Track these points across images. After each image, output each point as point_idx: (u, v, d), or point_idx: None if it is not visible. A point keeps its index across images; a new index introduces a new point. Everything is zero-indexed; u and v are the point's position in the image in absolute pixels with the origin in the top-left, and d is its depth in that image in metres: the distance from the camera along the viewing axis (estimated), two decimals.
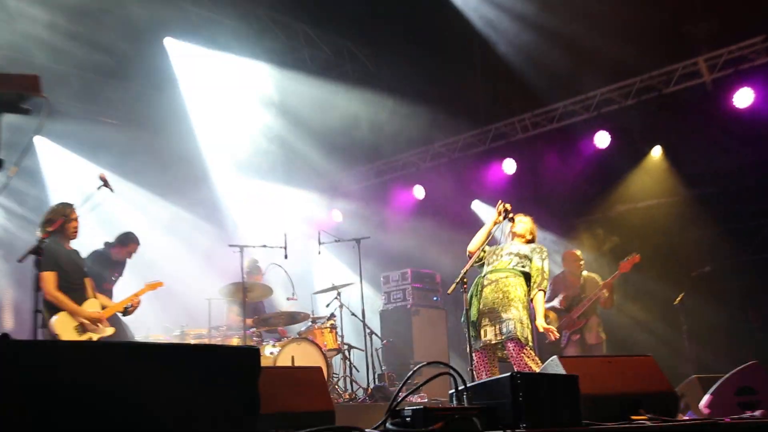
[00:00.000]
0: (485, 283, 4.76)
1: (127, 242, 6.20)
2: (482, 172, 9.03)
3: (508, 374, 2.76)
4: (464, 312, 4.51)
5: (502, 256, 4.83)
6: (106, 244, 6.18)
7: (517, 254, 4.79)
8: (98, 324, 4.99)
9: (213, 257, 8.46)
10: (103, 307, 5.16)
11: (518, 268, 4.76)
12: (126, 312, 5.35)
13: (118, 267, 6.15)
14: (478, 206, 9.34)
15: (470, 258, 4.85)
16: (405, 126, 8.75)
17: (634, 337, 7.58)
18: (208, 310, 6.52)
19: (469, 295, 4.72)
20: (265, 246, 6.47)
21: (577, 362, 3.39)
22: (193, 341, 6.30)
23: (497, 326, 4.61)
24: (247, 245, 6.33)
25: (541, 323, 4.60)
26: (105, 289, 5.86)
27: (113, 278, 6.08)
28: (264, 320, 6.59)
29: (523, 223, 5.00)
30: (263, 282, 6.90)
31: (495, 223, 4.84)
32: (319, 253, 7.35)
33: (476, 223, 8.84)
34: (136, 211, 8.51)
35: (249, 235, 8.31)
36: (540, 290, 4.68)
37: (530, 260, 4.76)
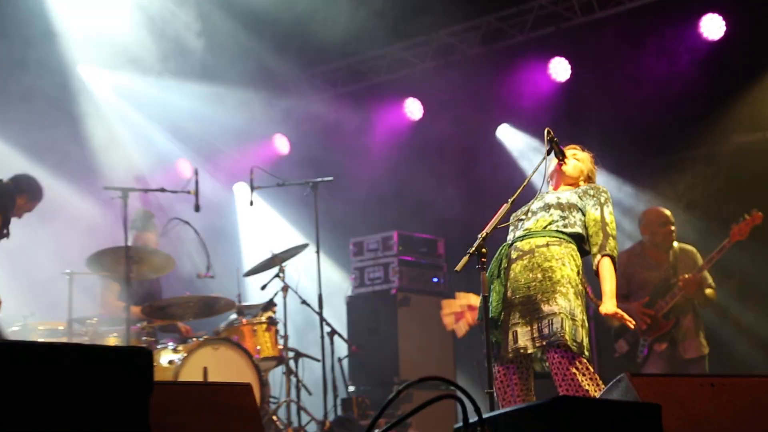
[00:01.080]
0: (514, 255, 4.77)
1: (37, 196, 6.62)
2: (515, 79, 9.02)
3: (549, 399, 2.75)
4: (481, 301, 4.49)
5: (537, 212, 4.82)
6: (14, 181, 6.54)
7: (560, 205, 4.79)
8: None
9: (79, 209, 8.44)
10: None
11: (565, 229, 4.75)
12: None
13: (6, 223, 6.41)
14: (507, 133, 9.31)
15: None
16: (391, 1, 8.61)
17: (752, 349, 7.67)
18: (68, 291, 6.47)
19: (488, 274, 4.71)
20: (164, 190, 6.51)
21: (661, 383, 3.43)
22: (40, 340, 6.29)
23: (535, 325, 4.62)
24: (134, 188, 6.38)
25: (610, 308, 4.62)
26: None
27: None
28: (160, 309, 6.66)
29: (577, 159, 4.99)
30: (160, 248, 6.96)
31: (543, 162, 4.81)
32: (251, 203, 7.40)
33: (504, 162, 8.84)
34: None
35: (139, 174, 8.25)
36: (605, 255, 4.69)
37: (582, 211, 4.77)
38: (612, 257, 4.71)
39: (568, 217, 4.77)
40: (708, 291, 6.79)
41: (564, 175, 4.96)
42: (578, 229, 4.76)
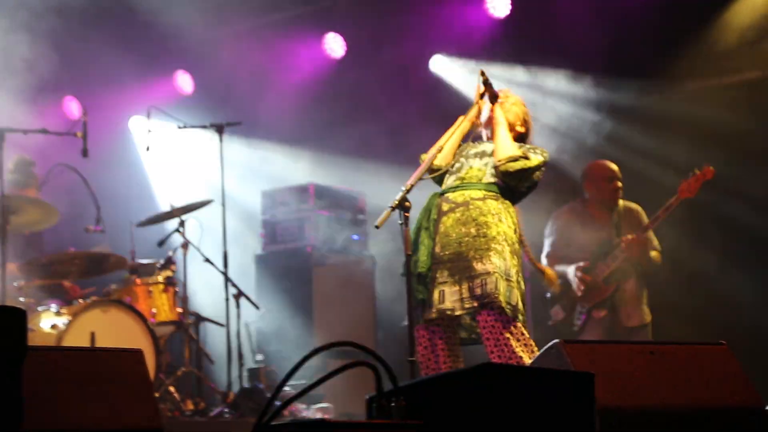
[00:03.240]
0: (446, 207, 4.81)
1: None
2: (448, 11, 8.95)
3: (474, 367, 2.78)
4: (406, 259, 4.53)
5: (471, 159, 4.87)
6: None
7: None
8: None
9: None
10: None
11: (499, 182, 4.82)
12: None
13: None
14: (441, 65, 9.27)
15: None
16: None
17: (700, 313, 7.84)
18: None
19: (414, 227, 4.76)
20: (46, 131, 6.43)
21: (596, 351, 3.50)
22: None
23: (465, 285, 4.69)
24: (11, 128, 6.24)
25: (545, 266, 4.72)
26: None
27: None
28: (42, 266, 6.64)
29: (512, 103, 5.03)
30: (41, 198, 6.90)
31: (474, 108, 4.86)
32: (148, 148, 7.36)
33: (438, 99, 8.80)
34: None
35: (13, 111, 8.07)
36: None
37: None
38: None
39: None
40: (653, 253, 6.87)
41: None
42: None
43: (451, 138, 4.91)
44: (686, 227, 7.51)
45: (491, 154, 4.85)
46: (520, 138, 5.01)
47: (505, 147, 4.76)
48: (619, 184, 6.95)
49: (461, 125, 4.96)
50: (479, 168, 4.84)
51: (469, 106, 5.01)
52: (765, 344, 7.17)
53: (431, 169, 4.87)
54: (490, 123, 4.98)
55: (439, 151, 4.84)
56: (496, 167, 4.75)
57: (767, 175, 7.61)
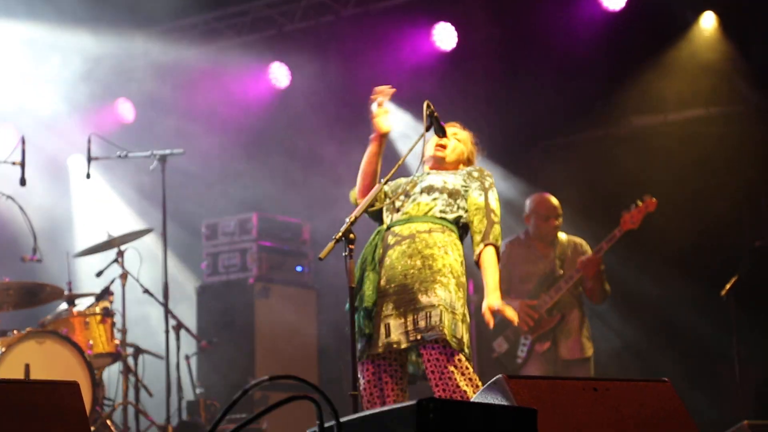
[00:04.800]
0: (391, 240, 4.80)
1: None
2: (395, 46, 8.98)
3: (416, 401, 2.77)
4: (349, 292, 4.52)
5: (417, 194, 4.88)
6: None
7: (444, 189, 4.86)
8: None
9: None
10: None
11: (448, 215, 4.83)
12: None
13: None
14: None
15: (362, 198, 4.87)
16: None
17: (643, 350, 7.92)
18: None
19: (360, 260, 4.74)
20: None
21: (539, 386, 3.49)
22: None
23: (410, 317, 4.66)
24: None
25: (494, 303, 4.71)
26: None
27: None
28: None
29: (458, 140, 5.07)
30: None
31: (421, 139, 4.87)
32: (88, 176, 7.27)
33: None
34: None
35: None
36: (489, 245, 4.78)
37: (464, 196, 4.85)
38: (496, 246, 4.79)
39: (453, 201, 4.83)
40: (605, 285, 6.95)
41: (443, 160, 5.02)
42: (462, 215, 4.84)
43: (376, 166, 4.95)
44: (629, 258, 7.64)
45: (439, 190, 4.87)
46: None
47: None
48: (557, 221, 7.00)
49: (403, 160, 4.94)
50: (427, 203, 4.85)
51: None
52: (701, 381, 7.28)
53: (371, 204, 4.87)
54: (431, 160, 5.03)
55: (379, 183, 4.84)
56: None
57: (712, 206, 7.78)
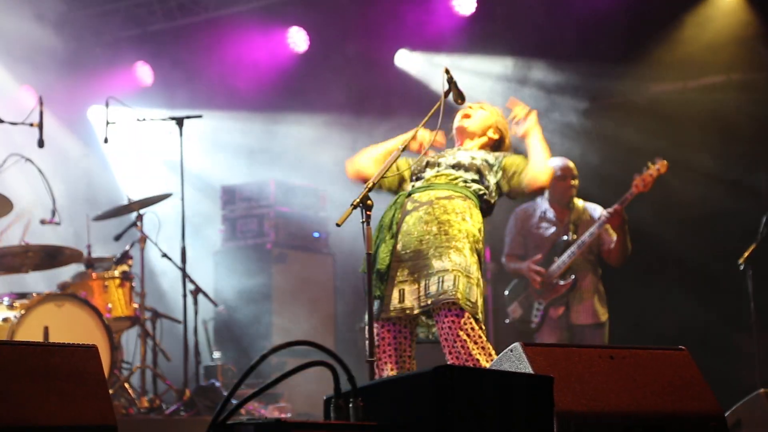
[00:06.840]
0: (410, 206, 4.80)
1: None
2: (413, 6, 8.93)
3: (431, 369, 2.77)
4: (366, 258, 4.53)
5: (442, 167, 4.87)
6: None
7: (472, 165, 4.85)
8: None
9: None
10: None
11: (471, 186, 4.82)
12: None
13: None
14: (405, 60, 9.28)
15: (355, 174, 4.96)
16: None
17: (659, 317, 7.91)
18: None
19: (378, 224, 4.75)
20: (0, 121, 6.34)
21: (556, 354, 3.51)
22: None
23: (424, 282, 4.67)
24: None
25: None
26: None
27: None
28: None
29: (480, 109, 5.06)
30: None
31: (436, 109, 4.81)
32: (106, 140, 7.27)
33: (401, 94, 8.80)
34: None
35: None
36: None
37: (495, 170, 4.87)
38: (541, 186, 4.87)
39: (479, 180, 4.83)
40: (628, 241, 6.86)
41: (466, 130, 5.01)
42: (485, 192, 4.84)
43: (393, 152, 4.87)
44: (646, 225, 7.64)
45: (468, 167, 4.86)
46: (495, 145, 5.04)
47: (546, 156, 4.85)
48: (573, 182, 6.98)
49: (421, 126, 4.91)
50: (453, 176, 4.84)
51: (434, 101, 4.92)
52: (718, 350, 7.27)
53: (387, 173, 4.84)
54: (460, 131, 5.02)
55: (393, 156, 4.80)
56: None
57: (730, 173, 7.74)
